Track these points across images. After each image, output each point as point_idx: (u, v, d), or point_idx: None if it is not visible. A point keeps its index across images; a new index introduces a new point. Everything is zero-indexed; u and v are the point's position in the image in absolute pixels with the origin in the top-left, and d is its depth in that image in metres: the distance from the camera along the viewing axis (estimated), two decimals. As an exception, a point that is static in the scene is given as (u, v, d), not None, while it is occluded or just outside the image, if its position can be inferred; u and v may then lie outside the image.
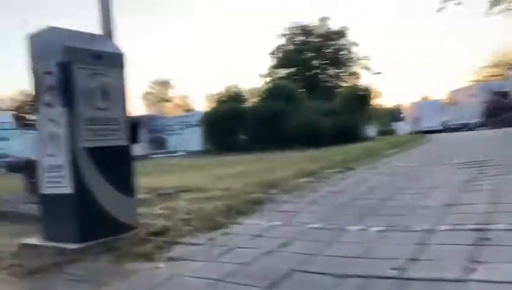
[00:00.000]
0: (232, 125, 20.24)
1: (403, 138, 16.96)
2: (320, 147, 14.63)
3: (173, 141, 26.29)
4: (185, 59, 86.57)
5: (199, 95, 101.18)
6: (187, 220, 3.15)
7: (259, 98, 22.71)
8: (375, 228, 2.70)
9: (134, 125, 3.28)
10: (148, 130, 24.45)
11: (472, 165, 5.55)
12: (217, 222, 3.12)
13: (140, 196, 3.55)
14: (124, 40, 3.34)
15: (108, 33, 3.26)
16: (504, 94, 29.28)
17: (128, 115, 2.98)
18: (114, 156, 2.85)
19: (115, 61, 2.95)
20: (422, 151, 9.90)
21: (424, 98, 52.12)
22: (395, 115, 53.47)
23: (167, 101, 59.03)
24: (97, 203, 2.70)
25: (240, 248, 2.53)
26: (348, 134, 18.95)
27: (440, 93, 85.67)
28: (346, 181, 5.05)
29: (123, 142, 2.92)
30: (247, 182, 4.79)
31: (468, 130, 30.15)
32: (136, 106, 53.74)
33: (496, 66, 48.36)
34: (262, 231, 2.87)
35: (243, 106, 22.26)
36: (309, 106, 21.15)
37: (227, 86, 24.49)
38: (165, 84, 59.07)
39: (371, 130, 24.52)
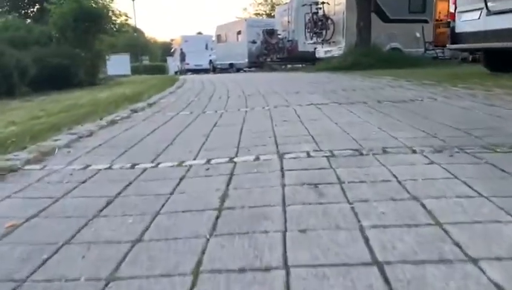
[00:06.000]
0: None
1: (141, 86, 10.94)
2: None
3: None
4: None
5: None
6: None
7: None
8: None
9: None
10: None
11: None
12: None
13: None
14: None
15: None
16: (271, 32, 26.38)
17: None
18: None
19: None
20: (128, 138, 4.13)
21: (199, 33, 47.40)
22: (169, 50, 48.52)
23: None
24: None
25: None
26: (65, 76, 11.95)
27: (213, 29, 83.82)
28: None
29: None
30: None
31: (237, 71, 26.80)
32: None
33: (265, 3, 47.27)
34: None
35: None
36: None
37: None
38: None
39: (117, 69, 17.93)
